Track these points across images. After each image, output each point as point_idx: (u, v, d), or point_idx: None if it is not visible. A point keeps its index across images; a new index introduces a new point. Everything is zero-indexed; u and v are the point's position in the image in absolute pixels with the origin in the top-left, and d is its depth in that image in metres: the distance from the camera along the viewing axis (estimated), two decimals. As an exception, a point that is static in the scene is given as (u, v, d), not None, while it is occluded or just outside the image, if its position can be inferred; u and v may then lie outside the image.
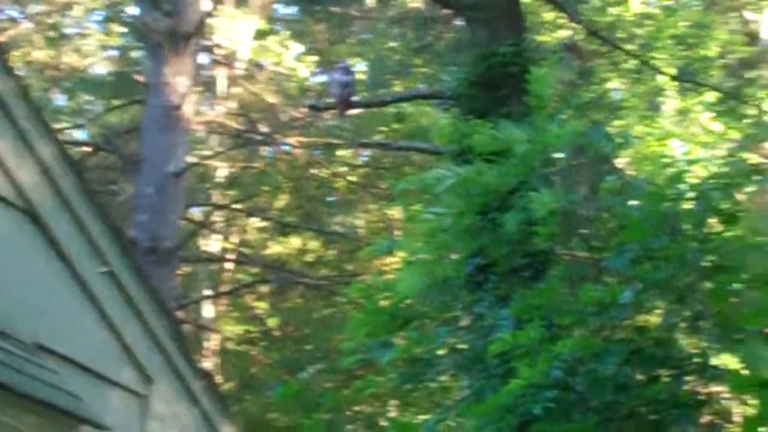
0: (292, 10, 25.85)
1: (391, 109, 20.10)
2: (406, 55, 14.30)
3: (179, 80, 17.21)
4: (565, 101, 9.01)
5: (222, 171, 23.29)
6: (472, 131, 7.54)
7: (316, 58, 23.80)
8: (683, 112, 19.00)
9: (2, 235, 8.22)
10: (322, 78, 24.41)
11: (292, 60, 23.36)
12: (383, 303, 7.85)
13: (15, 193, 8.27)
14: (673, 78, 15.31)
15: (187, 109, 17.47)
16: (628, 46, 14.73)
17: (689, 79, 15.63)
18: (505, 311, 7.90)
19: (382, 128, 21.67)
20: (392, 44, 21.41)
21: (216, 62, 20.75)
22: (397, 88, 16.20)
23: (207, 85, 22.86)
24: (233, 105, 22.63)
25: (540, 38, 16.07)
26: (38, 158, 8.42)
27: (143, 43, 18.28)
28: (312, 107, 13.92)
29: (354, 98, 11.92)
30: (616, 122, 16.42)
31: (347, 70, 11.81)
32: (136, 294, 9.27)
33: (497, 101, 11.03)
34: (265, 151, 22.33)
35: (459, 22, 12.76)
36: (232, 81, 22.38)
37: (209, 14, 17.42)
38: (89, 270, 8.86)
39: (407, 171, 21.45)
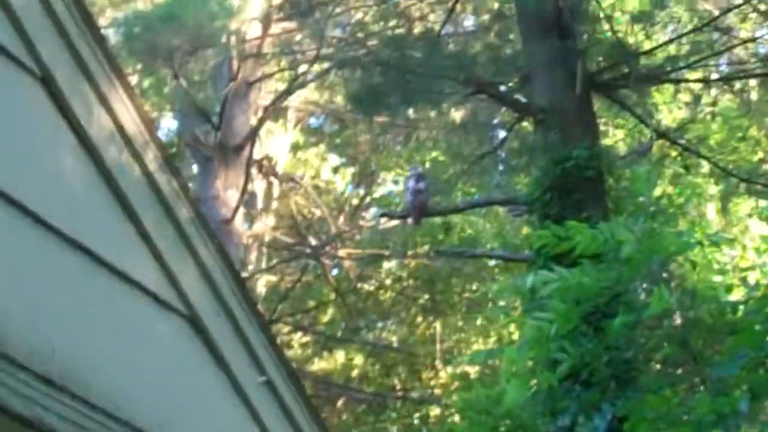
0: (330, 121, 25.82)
1: (437, 220, 19.85)
2: (462, 163, 14.07)
3: (229, 193, 17.03)
4: (657, 206, 8.73)
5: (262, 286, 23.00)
6: (572, 234, 7.22)
7: (353, 169, 23.66)
8: (731, 216, 18.76)
9: (165, 341, 7.83)
10: (360, 190, 24.34)
11: (330, 172, 23.23)
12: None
13: (177, 298, 7.89)
14: (743, 180, 14.89)
15: (238, 223, 17.28)
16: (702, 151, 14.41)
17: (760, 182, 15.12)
18: (598, 422, 7.55)
19: (427, 239, 21.38)
20: (436, 154, 21.24)
21: (263, 175, 20.54)
22: (455, 195, 15.95)
23: (250, 199, 22.68)
24: (272, 220, 22.41)
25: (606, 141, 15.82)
26: (200, 262, 8.06)
27: (193, 157, 18.15)
28: (385, 215, 13.75)
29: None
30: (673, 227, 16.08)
31: (421, 177, 11.59)
32: (293, 406, 8.86)
33: (573, 206, 10.82)
34: (311, 264, 22.03)
35: (526, 126, 12.54)
36: (275, 194, 22.21)
37: (259, 126, 17.28)
38: (249, 381, 8.46)
39: (455, 282, 21.19)
